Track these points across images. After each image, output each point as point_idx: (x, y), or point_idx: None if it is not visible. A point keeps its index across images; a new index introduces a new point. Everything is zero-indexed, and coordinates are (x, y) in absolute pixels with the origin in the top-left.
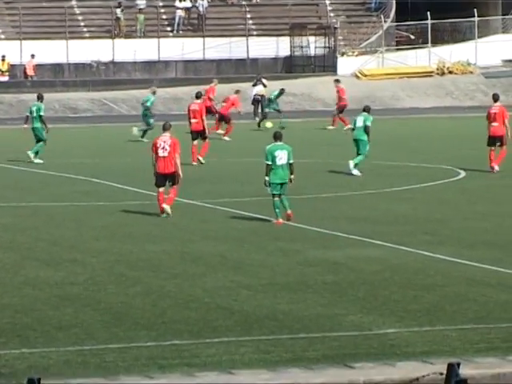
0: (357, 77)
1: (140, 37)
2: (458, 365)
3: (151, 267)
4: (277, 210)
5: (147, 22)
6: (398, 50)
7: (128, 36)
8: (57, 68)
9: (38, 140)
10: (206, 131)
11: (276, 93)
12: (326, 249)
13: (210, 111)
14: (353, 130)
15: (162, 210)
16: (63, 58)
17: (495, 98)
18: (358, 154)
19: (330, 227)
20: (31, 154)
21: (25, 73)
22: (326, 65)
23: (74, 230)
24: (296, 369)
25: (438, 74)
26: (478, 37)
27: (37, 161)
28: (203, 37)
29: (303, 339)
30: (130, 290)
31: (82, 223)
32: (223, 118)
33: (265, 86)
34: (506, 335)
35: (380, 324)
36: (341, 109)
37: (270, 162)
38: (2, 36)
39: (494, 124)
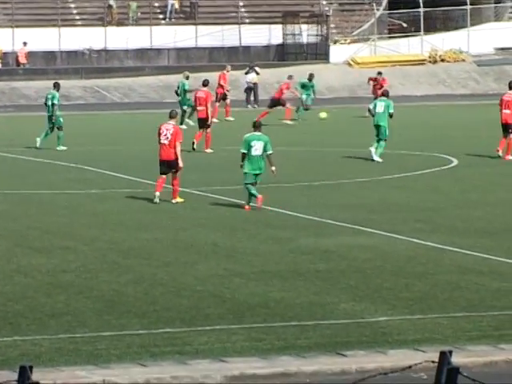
0: (349, 65)
1: (132, 24)
2: (450, 353)
3: (143, 255)
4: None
5: (139, 10)
6: (390, 37)
7: (120, 24)
8: (49, 56)
9: (58, 127)
10: (209, 119)
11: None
12: (318, 237)
13: (224, 97)
14: (373, 115)
15: (158, 192)
16: (55, 45)
17: (511, 86)
18: (379, 139)
19: (323, 215)
20: (39, 140)
21: (17, 60)
22: (318, 53)
23: (66, 218)
24: (288, 357)
25: (430, 62)
26: (471, 25)
27: (60, 148)
28: (195, 24)
29: (295, 327)
30: (122, 278)
31: (74, 211)
32: (278, 103)
33: (257, 73)
34: (497, 323)
35: (372, 312)
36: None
37: (245, 151)
38: None
39: (506, 111)
